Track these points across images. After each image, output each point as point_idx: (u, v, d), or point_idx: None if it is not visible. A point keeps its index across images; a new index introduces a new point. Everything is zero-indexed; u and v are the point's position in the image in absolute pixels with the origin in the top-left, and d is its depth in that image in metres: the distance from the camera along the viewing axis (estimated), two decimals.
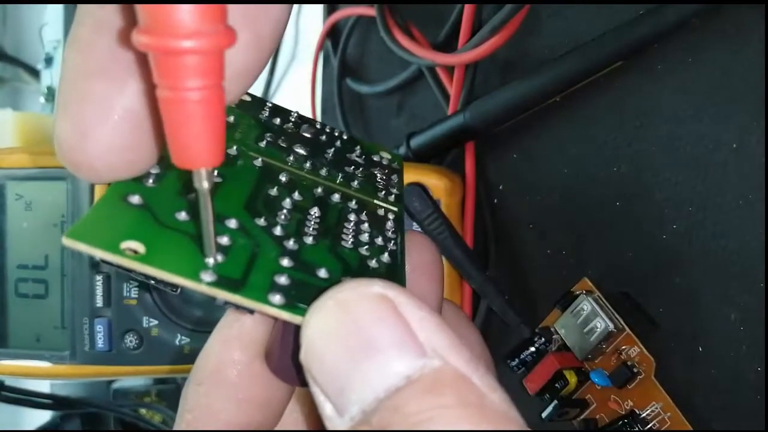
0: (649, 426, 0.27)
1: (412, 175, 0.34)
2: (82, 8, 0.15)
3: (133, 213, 0.16)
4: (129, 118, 0.15)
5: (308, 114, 0.52)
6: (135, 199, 0.16)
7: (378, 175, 0.22)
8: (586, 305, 0.28)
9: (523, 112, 0.32)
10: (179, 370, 0.37)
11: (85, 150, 0.15)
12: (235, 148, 0.19)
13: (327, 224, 0.18)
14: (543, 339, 0.30)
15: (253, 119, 0.21)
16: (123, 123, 0.15)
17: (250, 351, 0.18)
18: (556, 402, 0.29)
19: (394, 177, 0.22)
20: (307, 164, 0.20)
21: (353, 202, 0.20)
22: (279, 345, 0.17)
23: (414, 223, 0.32)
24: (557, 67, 0.30)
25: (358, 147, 0.22)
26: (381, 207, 0.20)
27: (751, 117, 0.25)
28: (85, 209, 0.35)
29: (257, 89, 0.57)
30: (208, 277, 0.15)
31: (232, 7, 0.14)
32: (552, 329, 0.30)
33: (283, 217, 0.18)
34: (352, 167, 0.21)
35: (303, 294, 0.16)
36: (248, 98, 0.21)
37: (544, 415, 0.29)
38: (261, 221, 0.17)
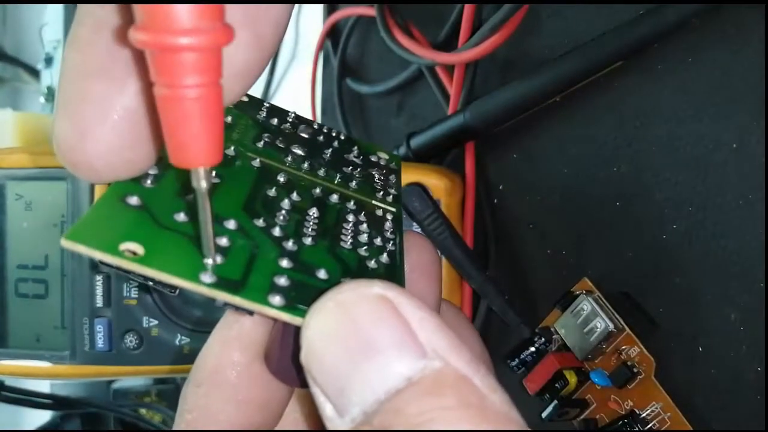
0: (649, 426, 0.27)
1: (412, 175, 0.34)
2: (81, 8, 0.15)
3: (131, 214, 0.16)
4: (128, 117, 0.15)
5: (308, 114, 0.52)
6: (133, 200, 0.16)
7: (376, 175, 0.22)
8: (586, 305, 0.28)
9: (523, 112, 0.32)
10: (179, 370, 0.37)
11: (85, 150, 0.15)
12: (232, 148, 0.19)
13: (325, 225, 0.18)
14: (543, 339, 0.30)
15: (251, 119, 0.21)
16: (122, 123, 0.15)
17: (249, 352, 0.18)
18: (556, 402, 0.29)
19: (392, 177, 0.22)
20: (305, 165, 0.20)
21: (351, 203, 0.20)
22: (279, 346, 0.17)
23: (414, 224, 0.32)
24: (557, 67, 0.30)
25: (356, 147, 0.22)
26: (379, 207, 0.20)
27: (751, 117, 0.25)
28: (85, 209, 0.35)
29: (257, 89, 0.57)
30: (207, 278, 0.15)
31: (232, 7, 0.14)
32: (552, 329, 0.30)
33: (281, 217, 0.18)
34: (350, 168, 0.21)
35: (303, 295, 0.16)
36: (245, 98, 0.21)
37: (544, 415, 0.29)
38: (260, 222, 0.17)
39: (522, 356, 0.30)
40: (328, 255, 0.17)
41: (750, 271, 0.25)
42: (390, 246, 0.19)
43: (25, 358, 0.36)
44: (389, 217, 0.20)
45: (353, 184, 0.21)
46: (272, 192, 0.18)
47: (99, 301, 0.35)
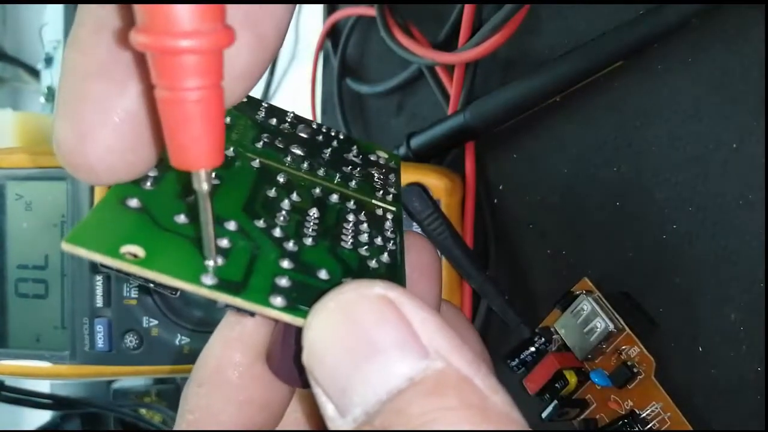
0: (649, 426, 0.27)
1: (412, 175, 0.34)
2: (82, 8, 0.15)
3: (132, 217, 0.16)
4: (129, 119, 0.15)
5: (308, 114, 0.52)
6: (133, 202, 0.16)
7: (375, 174, 0.22)
8: (586, 305, 0.28)
9: (523, 112, 0.32)
10: (179, 370, 0.37)
11: (85, 152, 0.15)
12: (232, 149, 0.19)
13: (326, 225, 0.18)
14: (543, 339, 0.30)
15: (250, 120, 0.21)
16: (123, 124, 0.15)
17: (251, 353, 0.18)
18: (556, 402, 0.29)
19: (392, 176, 0.22)
20: (305, 165, 0.20)
21: (351, 203, 0.20)
22: (280, 347, 0.17)
23: (414, 223, 0.32)
24: (557, 67, 0.30)
25: (355, 147, 0.22)
26: (379, 207, 0.20)
27: (751, 117, 0.25)
28: (85, 210, 0.35)
29: (257, 89, 0.57)
30: (208, 280, 0.15)
31: (233, 8, 0.14)
32: (552, 329, 0.30)
33: (282, 218, 0.18)
34: (350, 167, 0.21)
35: (304, 296, 0.16)
36: (244, 99, 0.21)
37: (544, 415, 0.29)
38: (260, 223, 0.17)
39: (522, 356, 0.30)
40: (329, 255, 0.17)
41: (750, 271, 0.25)
42: (390, 245, 0.19)
43: (25, 358, 0.36)
44: (389, 216, 0.20)
45: (353, 183, 0.21)
46: (272, 192, 0.18)
47: (99, 301, 0.35)
